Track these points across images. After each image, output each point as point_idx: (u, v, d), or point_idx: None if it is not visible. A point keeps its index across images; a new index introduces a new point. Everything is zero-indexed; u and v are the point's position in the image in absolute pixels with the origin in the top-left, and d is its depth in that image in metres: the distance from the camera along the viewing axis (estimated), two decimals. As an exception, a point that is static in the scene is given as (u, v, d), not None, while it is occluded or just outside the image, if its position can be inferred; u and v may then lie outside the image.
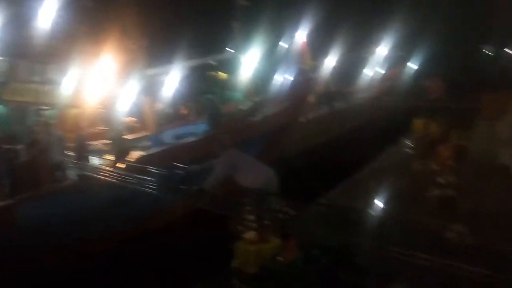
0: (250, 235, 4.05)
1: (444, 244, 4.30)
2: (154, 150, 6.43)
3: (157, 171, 5.30)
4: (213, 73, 9.47)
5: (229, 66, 9.35)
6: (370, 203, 6.57)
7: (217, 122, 6.91)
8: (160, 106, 8.12)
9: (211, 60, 9.16)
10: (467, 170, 6.26)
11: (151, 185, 4.96)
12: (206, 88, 9.03)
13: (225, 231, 4.39)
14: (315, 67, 10.89)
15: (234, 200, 4.79)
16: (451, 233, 4.84)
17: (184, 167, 5.69)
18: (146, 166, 5.48)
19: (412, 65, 12.72)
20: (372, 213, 6.08)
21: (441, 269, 3.11)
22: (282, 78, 9.31)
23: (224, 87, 9.19)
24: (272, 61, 9.56)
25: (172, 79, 8.02)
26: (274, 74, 9.48)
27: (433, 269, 3.18)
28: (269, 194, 5.05)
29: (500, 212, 5.01)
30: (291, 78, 9.20)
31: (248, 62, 9.15)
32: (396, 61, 12.85)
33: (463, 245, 4.57)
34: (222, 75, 9.39)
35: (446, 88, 9.53)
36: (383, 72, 12.87)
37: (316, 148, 8.39)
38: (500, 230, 4.61)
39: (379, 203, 6.64)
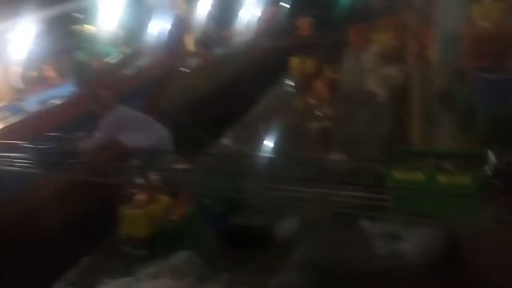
0: (137, 197, 3.84)
1: (326, 174, 4.56)
2: (14, 121, 5.61)
3: (22, 145, 4.65)
4: (78, 26, 8.47)
5: (95, 17, 8.41)
6: (259, 144, 6.76)
7: (85, 80, 6.24)
8: (17, 68, 7.03)
9: (71, 10, 8.08)
10: (341, 101, 6.73)
11: (16, 161, 4.34)
12: (72, 44, 8.05)
13: (111, 198, 4.11)
14: (190, 12, 10.42)
15: (118, 164, 4.47)
16: (331, 162, 5.23)
17: (57, 135, 5.11)
18: (6, 141, 4.76)
19: (284, 5, 12.90)
20: (261, 154, 6.29)
21: (327, 197, 3.27)
22: (156, 26, 8.72)
23: (91, 41, 8.29)
24: (142, 8, 8.83)
25: (28, 35, 6.90)
26: (146, 22, 8.81)
27: (320, 199, 3.33)
28: (159, 152, 4.83)
29: (371, 136, 5.51)
30: (165, 25, 8.66)
31: (115, 10, 8.30)
32: (270, 1, 12.89)
33: (342, 172, 4.97)
34: (89, 27, 8.44)
35: (315, 25, 9.92)
36: (258, 13, 12.86)
37: (201, 97, 8.21)
38: (372, 153, 5.10)
39: (267, 143, 6.88)
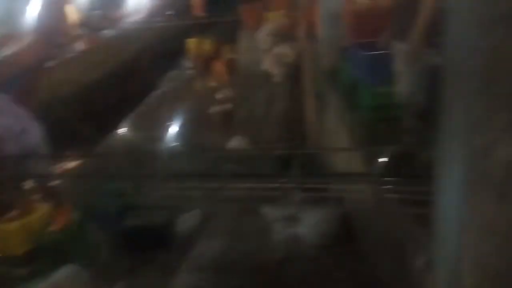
0: (11, 209, 3.33)
1: (228, 161, 4.45)
2: None
3: None
4: None
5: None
6: (159, 134, 6.39)
7: None
8: None
9: None
10: (240, 82, 6.63)
11: None
12: None
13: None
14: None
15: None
16: (233, 146, 5.13)
17: None
18: None
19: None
20: (161, 144, 5.96)
21: (225, 190, 3.11)
22: (30, 7, 7.73)
23: None
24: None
25: None
26: (18, 3, 7.77)
27: (218, 193, 3.18)
28: (37, 153, 4.27)
29: (270, 116, 5.51)
30: (41, 6, 7.72)
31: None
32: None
33: (243, 155, 4.89)
34: None
35: (209, 4, 9.62)
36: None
37: (90, 86, 7.50)
38: (272, 133, 5.09)
39: (167, 131, 6.54)
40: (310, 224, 2.67)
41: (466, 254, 1.21)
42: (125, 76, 8.11)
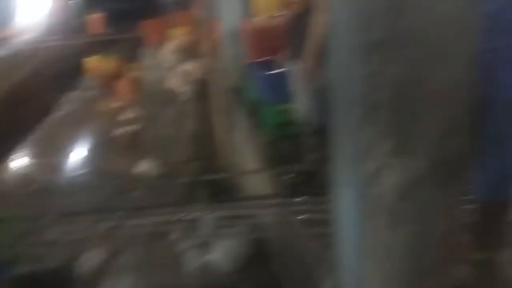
0: None
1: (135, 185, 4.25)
2: None
3: None
4: None
5: None
6: (58, 162, 5.86)
7: None
8: None
9: None
10: (145, 101, 6.37)
11: None
12: None
13: None
14: None
15: None
16: (141, 170, 4.87)
17: None
18: None
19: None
20: (60, 173, 5.47)
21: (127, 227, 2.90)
22: None
23: None
24: None
25: None
26: None
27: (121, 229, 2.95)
28: None
29: (180, 136, 5.34)
30: None
31: None
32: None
33: (153, 178, 4.67)
34: None
35: (108, 21, 9.18)
36: (46, 8, 11.22)
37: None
38: (181, 154, 4.93)
39: (69, 158, 6.02)
40: (222, 251, 2.57)
41: (367, 280, 1.20)
42: (17, 100, 7.35)
